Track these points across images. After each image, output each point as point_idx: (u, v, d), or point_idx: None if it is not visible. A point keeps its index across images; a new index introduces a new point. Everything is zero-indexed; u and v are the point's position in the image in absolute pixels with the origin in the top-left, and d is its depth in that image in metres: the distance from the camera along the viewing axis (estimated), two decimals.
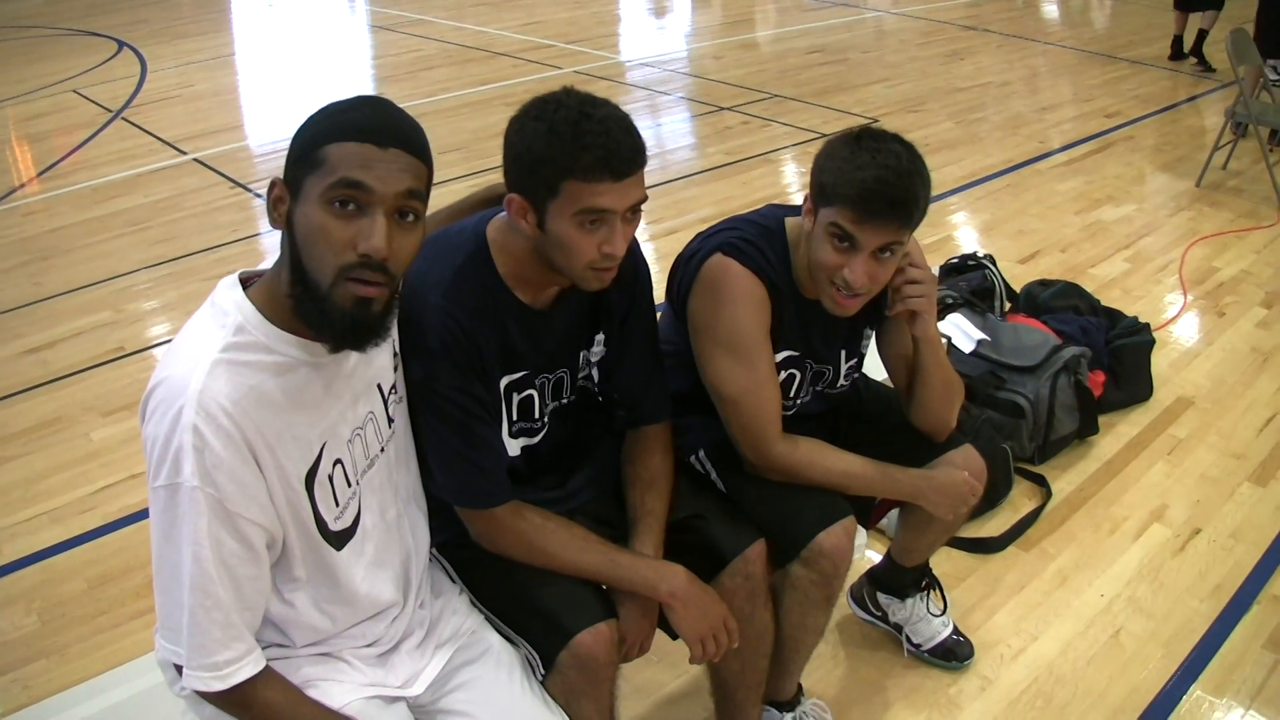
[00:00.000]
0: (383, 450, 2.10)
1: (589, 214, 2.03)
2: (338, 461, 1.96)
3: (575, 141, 1.98)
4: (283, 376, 1.83)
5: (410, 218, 1.79)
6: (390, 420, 2.12)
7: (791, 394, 2.72)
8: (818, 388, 2.77)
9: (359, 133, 1.73)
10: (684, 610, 2.25)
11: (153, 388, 1.77)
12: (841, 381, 2.79)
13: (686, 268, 2.57)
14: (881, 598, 3.26)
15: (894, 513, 3.62)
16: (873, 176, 2.26)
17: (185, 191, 7.57)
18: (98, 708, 2.33)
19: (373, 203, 1.73)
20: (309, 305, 1.77)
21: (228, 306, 1.83)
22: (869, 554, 3.57)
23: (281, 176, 1.80)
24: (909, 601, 3.21)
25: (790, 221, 2.58)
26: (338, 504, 1.97)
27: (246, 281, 1.88)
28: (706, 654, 2.29)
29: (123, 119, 9.62)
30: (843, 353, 2.73)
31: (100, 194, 7.69)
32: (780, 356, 2.62)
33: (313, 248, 1.74)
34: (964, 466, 2.70)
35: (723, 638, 2.29)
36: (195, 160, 8.24)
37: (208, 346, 1.77)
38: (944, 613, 3.23)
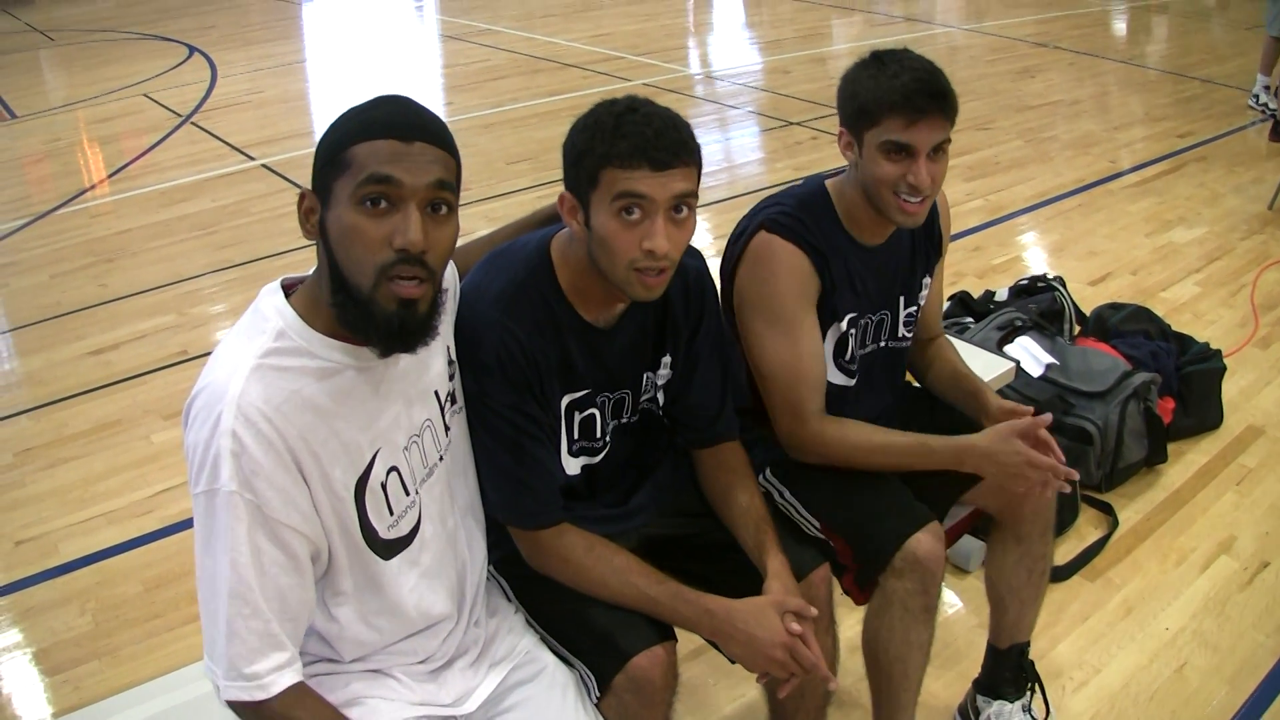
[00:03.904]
0: (441, 459, 2.08)
1: (624, 199, 1.99)
2: (393, 469, 1.94)
3: (615, 130, 1.99)
4: (327, 381, 1.82)
5: (443, 209, 1.78)
6: (447, 429, 2.10)
7: (851, 351, 2.71)
8: (881, 341, 2.76)
9: (382, 129, 1.73)
10: (730, 647, 2.19)
11: (194, 395, 1.77)
12: (902, 331, 2.79)
13: (734, 248, 2.62)
14: (980, 701, 3.04)
15: (973, 548, 3.60)
16: (910, 79, 2.37)
17: (252, 197, 7.63)
18: (146, 714, 2.31)
19: (404, 196, 1.72)
20: (353, 312, 1.76)
21: (269, 312, 1.82)
22: (949, 596, 3.51)
23: (310, 187, 1.79)
24: (1009, 707, 2.98)
25: (829, 181, 2.67)
26: (391, 512, 1.95)
27: (289, 288, 1.88)
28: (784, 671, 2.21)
29: (192, 123, 9.71)
30: (901, 299, 2.75)
31: (168, 197, 7.77)
32: (845, 322, 2.65)
33: (349, 250, 1.73)
34: (1012, 413, 2.61)
35: (790, 665, 2.17)
36: (263, 166, 8.30)
37: (248, 352, 1.77)
38: (1048, 717, 3.05)
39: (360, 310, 1.75)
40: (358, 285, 1.74)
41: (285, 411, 1.75)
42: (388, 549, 1.96)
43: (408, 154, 1.73)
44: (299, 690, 1.82)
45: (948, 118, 2.40)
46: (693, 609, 2.18)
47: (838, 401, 2.69)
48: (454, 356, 2.15)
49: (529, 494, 2.19)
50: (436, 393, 2.06)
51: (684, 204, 2.03)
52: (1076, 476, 2.63)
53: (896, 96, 2.36)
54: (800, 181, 2.73)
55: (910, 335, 2.83)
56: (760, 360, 2.58)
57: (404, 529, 1.99)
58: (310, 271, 1.88)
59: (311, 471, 1.80)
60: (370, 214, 1.72)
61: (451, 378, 2.13)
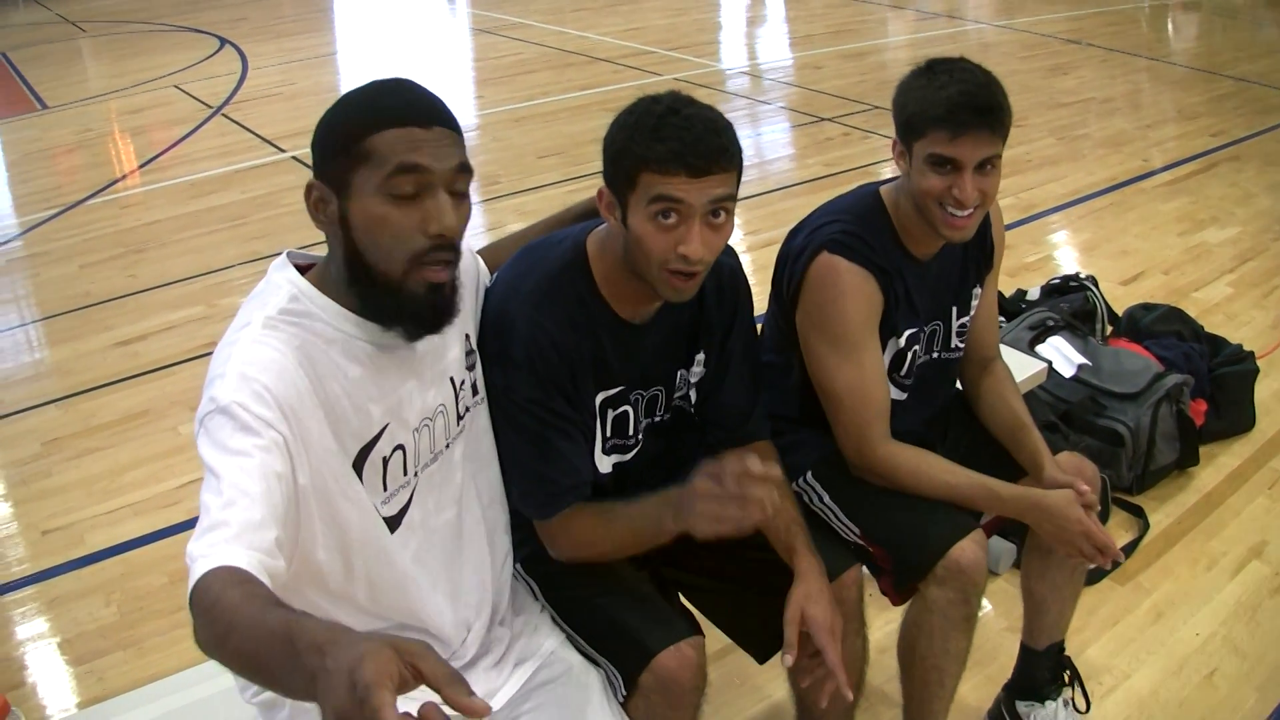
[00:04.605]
0: (448, 447, 2.05)
1: (660, 203, 1.97)
2: (399, 447, 1.91)
3: (654, 134, 1.95)
4: (338, 345, 1.81)
5: (461, 192, 1.79)
6: (459, 417, 2.08)
7: (908, 367, 2.69)
8: (934, 353, 2.74)
9: (399, 117, 1.72)
10: None
11: (210, 364, 1.75)
12: (955, 342, 2.76)
13: (794, 266, 2.58)
14: (1020, 706, 3.02)
15: (1001, 550, 3.57)
16: (956, 92, 2.32)
17: (282, 189, 7.63)
18: (169, 707, 2.31)
19: (433, 183, 1.72)
20: (382, 299, 1.77)
21: (280, 281, 1.83)
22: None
23: (316, 178, 1.77)
24: (1050, 706, 2.97)
25: (884, 190, 2.62)
26: (385, 489, 1.91)
27: (298, 267, 1.87)
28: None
29: (222, 115, 9.73)
30: (954, 309, 2.73)
31: (197, 189, 7.78)
32: (904, 339, 2.63)
33: (378, 240, 1.73)
34: (1075, 472, 2.63)
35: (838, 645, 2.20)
36: (293, 158, 8.32)
37: (264, 309, 1.77)
38: (1088, 710, 3.03)
39: (390, 298, 1.76)
40: (386, 273, 1.74)
41: (299, 357, 1.74)
42: (390, 523, 1.94)
43: (428, 140, 1.72)
44: (234, 570, 1.50)
45: (996, 133, 2.36)
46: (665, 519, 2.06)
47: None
48: (473, 345, 2.13)
49: (546, 484, 2.17)
50: (452, 379, 2.04)
51: (721, 208, 2.01)
52: (1124, 560, 2.62)
53: (941, 109, 2.33)
54: (853, 191, 2.69)
55: (963, 345, 2.80)
56: (827, 382, 2.56)
57: (392, 510, 1.94)
58: (319, 255, 1.88)
59: (322, 409, 1.77)
60: (399, 203, 1.71)
61: (470, 367, 2.11)
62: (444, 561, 2.06)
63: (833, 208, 2.64)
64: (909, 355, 2.66)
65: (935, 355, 2.75)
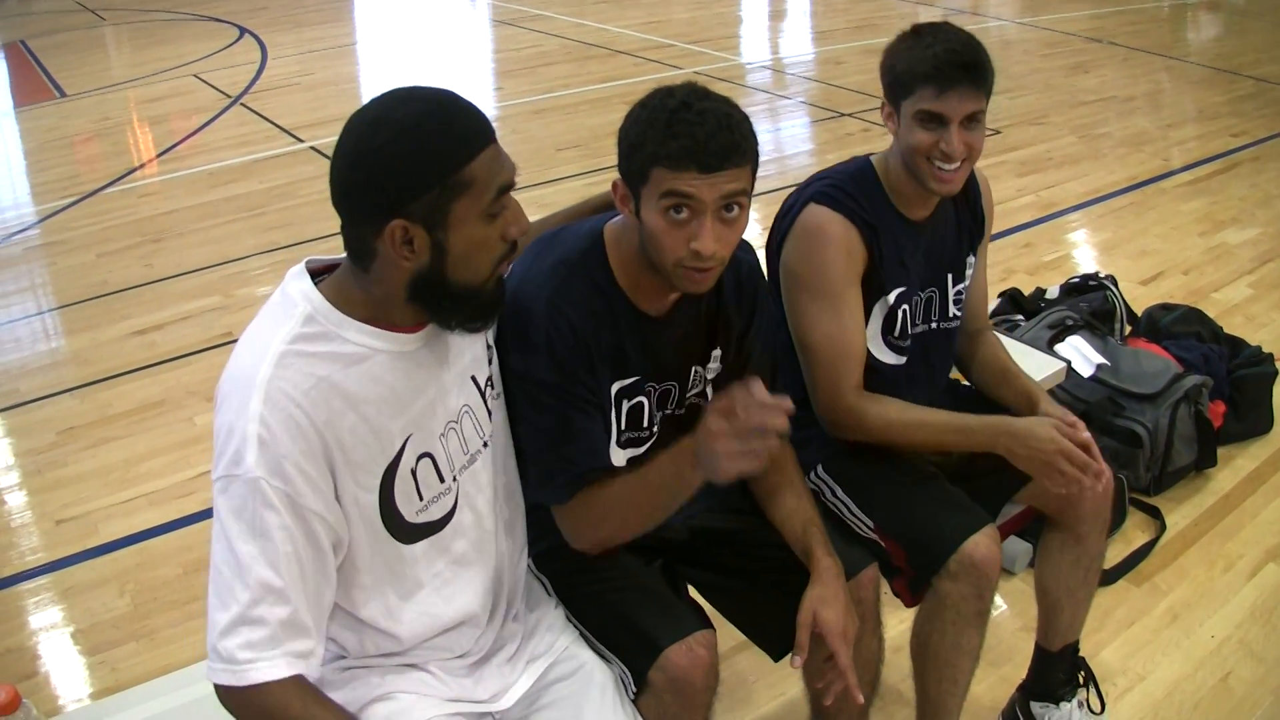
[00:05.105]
0: (485, 445, 2.05)
1: (672, 199, 1.96)
2: (425, 455, 1.91)
3: (667, 129, 1.94)
4: (356, 367, 1.80)
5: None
6: (490, 414, 2.08)
7: (902, 328, 2.69)
8: (932, 321, 2.76)
9: (471, 143, 1.75)
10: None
11: (223, 380, 1.76)
12: (953, 310, 2.78)
13: (782, 222, 2.64)
14: (1035, 708, 3.00)
15: (1018, 550, 3.56)
16: (943, 49, 2.42)
17: (301, 179, 7.64)
18: (182, 700, 2.30)
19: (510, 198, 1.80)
20: (460, 307, 1.84)
21: (296, 297, 1.81)
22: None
23: (400, 218, 1.72)
24: (1065, 707, 2.96)
25: (875, 158, 2.70)
26: (421, 498, 1.92)
27: (315, 272, 1.86)
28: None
29: (241, 105, 9.75)
30: (949, 276, 2.76)
31: (216, 178, 7.79)
32: (892, 297, 2.65)
33: (473, 260, 1.79)
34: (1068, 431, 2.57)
35: (850, 650, 2.19)
36: (312, 148, 8.32)
37: (277, 337, 1.75)
38: (1103, 711, 3.02)
39: (470, 304, 1.84)
40: (469, 284, 1.80)
41: (313, 398, 1.73)
42: (413, 533, 1.93)
43: (499, 155, 1.78)
44: (303, 683, 1.76)
45: (980, 89, 2.44)
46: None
47: (889, 382, 2.68)
48: (491, 340, 2.13)
49: (570, 466, 2.14)
50: (474, 378, 2.03)
51: (734, 203, 1.99)
52: (1108, 475, 2.59)
53: (928, 67, 2.42)
54: (847, 160, 2.74)
55: (960, 315, 2.82)
56: (804, 334, 2.59)
57: (435, 514, 1.96)
58: (337, 259, 1.88)
59: (337, 459, 1.78)
60: (493, 223, 1.77)
61: (490, 362, 2.11)
62: (476, 557, 2.07)
63: (824, 170, 2.70)
64: (899, 315, 2.67)
65: (934, 325, 2.77)
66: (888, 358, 2.70)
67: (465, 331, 1.88)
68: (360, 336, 1.80)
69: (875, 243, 2.57)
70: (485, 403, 2.06)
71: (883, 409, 2.58)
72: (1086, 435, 2.50)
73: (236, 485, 1.69)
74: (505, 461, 2.17)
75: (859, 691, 2.19)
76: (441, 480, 1.95)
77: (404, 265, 1.75)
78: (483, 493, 2.05)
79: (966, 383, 2.97)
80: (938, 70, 2.40)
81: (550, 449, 2.14)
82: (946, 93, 2.41)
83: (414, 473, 1.90)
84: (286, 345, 1.74)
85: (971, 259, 2.82)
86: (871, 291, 2.62)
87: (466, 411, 2.00)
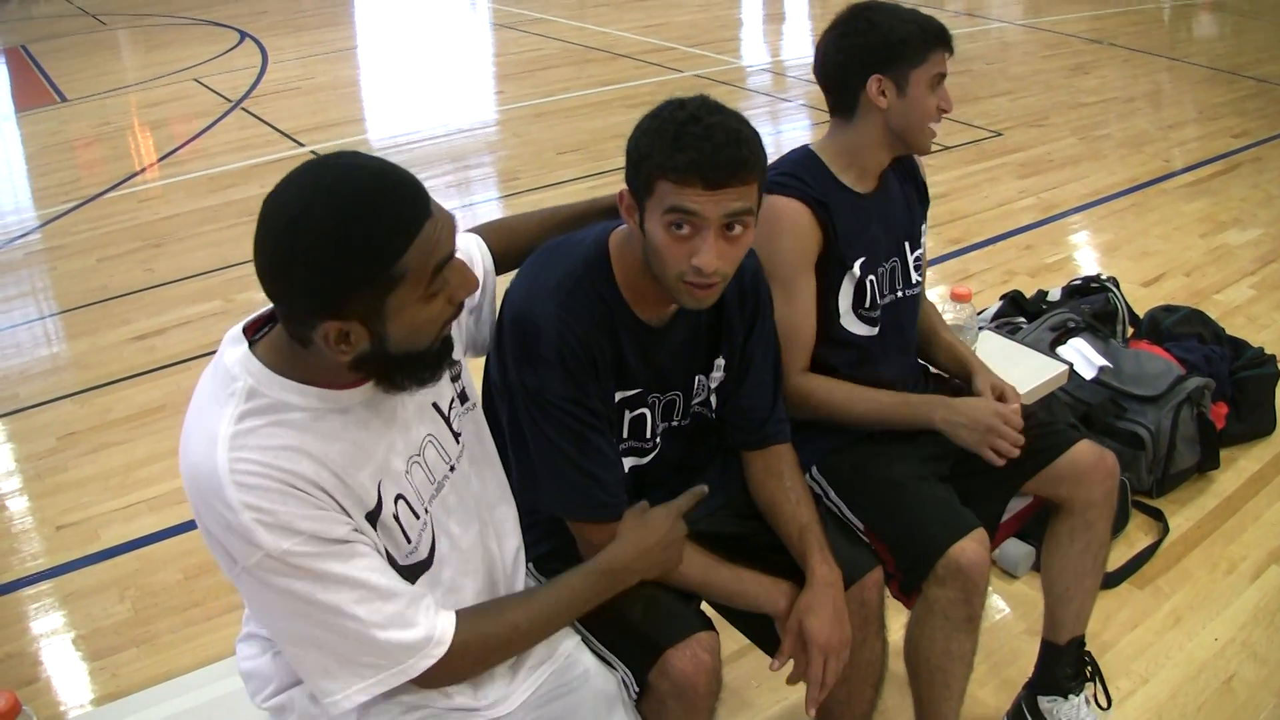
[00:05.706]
0: (452, 469, 2.03)
1: (675, 214, 1.95)
2: (399, 497, 1.88)
3: (674, 141, 1.93)
4: (311, 430, 1.73)
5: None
6: (457, 435, 2.05)
7: (872, 299, 2.72)
8: (898, 290, 2.79)
9: (416, 219, 1.65)
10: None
11: (185, 481, 1.71)
12: (914, 277, 2.82)
13: None
14: (1043, 702, 2.99)
15: (1021, 553, 3.55)
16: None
17: None
18: (184, 706, 2.30)
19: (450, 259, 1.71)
20: (408, 373, 1.78)
21: (235, 369, 1.73)
22: (996, 600, 3.46)
23: (333, 320, 1.63)
24: (1074, 700, 2.95)
25: (815, 144, 2.74)
26: (409, 540, 1.90)
27: (255, 323, 1.81)
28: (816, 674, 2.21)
29: (242, 109, 9.74)
30: (907, 244, 2.80)
31: (216, 183, 7.79)
32: (857, 268, 2.67)
33: (424, 332, 1.73)
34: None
35: (833, 662, 2.20)
36: (312, 153, 8.30)
37: (222, 421, 1.68)
38: (1109, 706, 3.02)
39: (416, 366, 1.77)
40: (414, 352, 1.74)
41: (281, 460, 1.67)
42: (408, 574, 1.90)
43: (434, 230, 1.65)
44: (457, 618, 1.90)
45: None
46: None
47: (865, 355, 2.73)
48: (493, 350, 2.13)
49: (598, 486, 2.14)
50: (435, 405, 2.00)
51: (738, 221, 1.98)
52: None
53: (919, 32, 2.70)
54: (789, 151, 2.78)
55: (921, 280, 2.86)
56: None
57: (422, 553, 1.94)
58: (268, 313, 1.81)
59: (330, 503, 1.74)
60: (434, 300, 1.70)
61: (455, 379, 2.08)
62: (464, 580, 2.05)
63: (771, 164, 2.70)
64: (868, 286, 2.70)
65: (900, 293, 2.80)
66: (861, 330, 2.72)
67: (416, 388, 1.82)
68: (308, 400, 1.74)
69: (828, 218, 2.60)
70: (450, 426, 2.04)
71: (827, 390, 2.65)
72: (1017, 405, 2.62)
73: (269, 564, 1.66)
74: (489, 469, 2.16)
75: (812, 706, 2.22)
76: (417, 517, 1.92)
77: (342, 358, 1.68)
78: (452, 515, 2.02)
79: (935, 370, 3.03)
80: (934, 35, 2.70)
81: (573, 467, 2.13)
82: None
83: (396, 518, 1.87)
84: (234, 427, 1.67)
85: (924, 226, 2.89)
86: (835, 267, 2.64)
87: (430, 441, 1.97)
